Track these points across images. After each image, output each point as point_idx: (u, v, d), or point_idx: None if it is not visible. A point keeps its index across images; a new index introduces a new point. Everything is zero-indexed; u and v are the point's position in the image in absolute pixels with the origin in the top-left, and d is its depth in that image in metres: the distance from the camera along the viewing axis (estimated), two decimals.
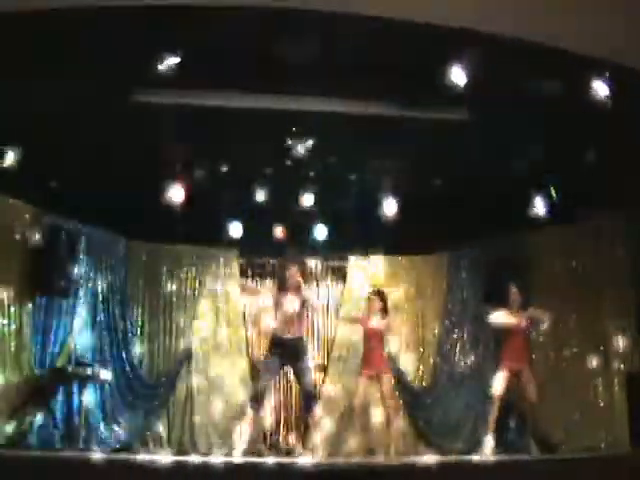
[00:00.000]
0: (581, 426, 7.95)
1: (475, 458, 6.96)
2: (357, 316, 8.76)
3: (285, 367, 6.99)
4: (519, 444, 8.09)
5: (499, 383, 7.53)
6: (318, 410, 6.98)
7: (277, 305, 7.02)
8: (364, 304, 8.54)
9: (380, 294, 8.41)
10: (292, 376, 6.97)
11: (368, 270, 9.91)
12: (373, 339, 8.06)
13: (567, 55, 5.61)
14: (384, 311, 8.22)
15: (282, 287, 7.09)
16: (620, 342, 7.83)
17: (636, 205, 7.44)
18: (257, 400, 6.87)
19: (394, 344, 9.57)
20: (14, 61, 5.75)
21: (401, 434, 8.94)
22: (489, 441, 7.37)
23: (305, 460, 6.60)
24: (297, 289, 7.02)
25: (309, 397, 6.91)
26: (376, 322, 8.10)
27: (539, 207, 7.64)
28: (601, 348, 8.04)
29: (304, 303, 7.04)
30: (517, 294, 7.82)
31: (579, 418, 8.01)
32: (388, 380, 7.99)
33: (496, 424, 7.54)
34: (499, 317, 7.81)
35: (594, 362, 8.08)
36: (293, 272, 7.06)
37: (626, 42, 5.51)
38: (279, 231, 8.59)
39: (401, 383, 9.48)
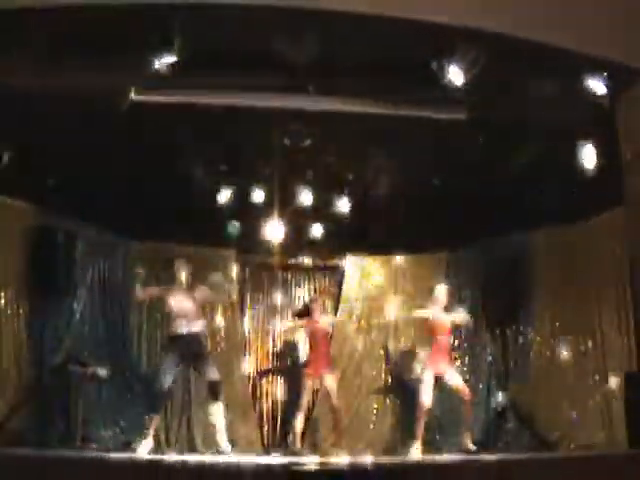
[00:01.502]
0: (579, 425, 7.96)
1: (470, 456, 6.98)
2: (300, 321, 8.79)
3: (185, 362, 7.05)
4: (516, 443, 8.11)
5: (427, 387, 7.43)
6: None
7: (169, 304, 7.17)
8: (311, 307, 8.55)
9: (320, 297, 8.89)
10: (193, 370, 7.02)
11: (366, 270, 9.92)
12: (320, 340, 8.16)
13: (566, 54, 5.61)
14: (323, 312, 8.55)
15: (176, 287, 7.21)
16: (617, 341, 7.83)
17: (635, 204, 7.44)
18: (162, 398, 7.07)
19: (392, 342, 9.64)
20: (12, 60, 5.75)
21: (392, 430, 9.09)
22: (415, 445, 7.29)
23: (306, 459, 6.63)
24: (189, 287, 7.17)
25: (213, 388, 6.95)
26: (321, 323, 8.25)
27: (537, 207, 7.65)
28: (598, 347, 8.05)
29: (197, 300, 7.17)
30: (445, 295, 7.78)
31: (577, 417, 8.02)
32: (331, 379, 8.03)
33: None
34: (419, 313, 7.85)
35: (591, 361, 8.10)
36: (182, 270, 7.22)
37: (626, 41, 5.52)
38: (276, 230, 8.61)
39: (399, 381, 9.51)
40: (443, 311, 7.73)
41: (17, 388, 7.66)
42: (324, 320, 8.38)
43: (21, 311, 7.88)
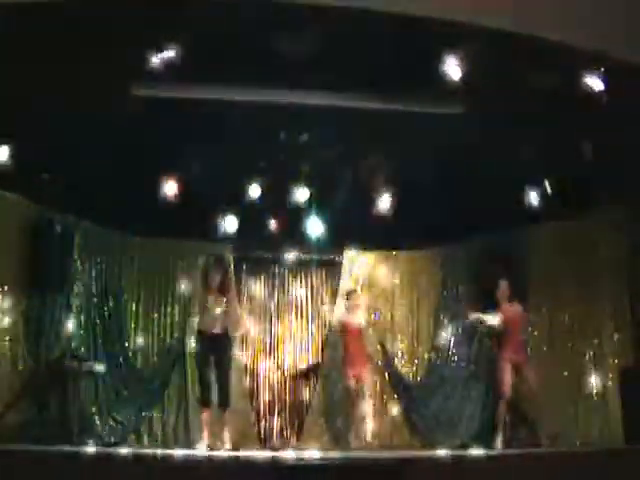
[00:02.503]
0: (575, 420, 7.98)
1: (469, 453, 6.98)
2: (343, 319, 8.63)
3: (211, 361, 7.12)
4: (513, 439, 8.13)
5: (505, 378, 7.62)
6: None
7: (202, 303, 7.25)
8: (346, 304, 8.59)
9: (354, 293, 8.75)
10: (214, 370, 7.12)
11: (362, 265, 9.91)
12: (355, 338, 8.11)
13: (564, 48, 5.60)
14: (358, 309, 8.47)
15: (207, 286, 7.28)
16: (615, 337, 7.85)
17: (634, 201, 7.45)
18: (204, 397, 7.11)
19: (388, 339, 9.64)
20: (12, 55, 5.73)
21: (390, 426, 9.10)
22: (499, 436, 7.47)
23: (298, 454, 6.62)
24: (222, 288, 7.26)
25: (224, 391, 7.05)
26: (356, 321, 8.23)
27: (535, 203, 7.65)
28: (595, 343, 8.06)
29: (229, 302, 7.29)
30: (507, 288, 7.89)
31: (573, 413, 8.04)
32: (369, 376, 8.02)
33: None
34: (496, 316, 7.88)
35: (589, 357, 8.11)
36: (215, 277, 7.28)
37: (625, 36, 5.51)
38: (274, 226, 8.62)
39: (395, 378, 9.51)
40: (507, 305, 7.88)
41: (13, 384, 7.65)
42: (358, 318, 8.37)
43: (17, 306, 7.86)
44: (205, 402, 7.13)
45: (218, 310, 7.15)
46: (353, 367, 8.04)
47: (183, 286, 9.28)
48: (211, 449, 6.81)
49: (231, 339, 7.31)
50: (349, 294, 8.72)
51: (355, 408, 8.03)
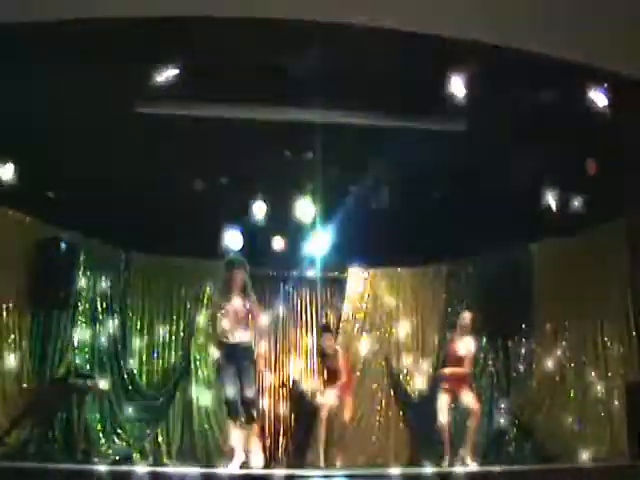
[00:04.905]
0: (580, 437, 7.94)
1: (473, 468, 6.95)
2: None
3: (234, 372, 6.56)
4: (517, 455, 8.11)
5: (442, 407, 7.63)
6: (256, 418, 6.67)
7: (222, 310, 6.73)
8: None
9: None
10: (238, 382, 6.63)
11: (367, 282, 9.92)
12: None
13: (566, 65, 5.63)
14: None
15: (227, 292, 6.79)
16: (619, 352, 7.82)
17: (636, 216, 7.46)
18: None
19: (393, 356, 9.63)
20: (17, 75, 5.79)
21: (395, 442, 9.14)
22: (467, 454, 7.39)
23: (308, 471, 6.59)
24: (242, 294, 6.76)
25: (248, 404, 6.55)
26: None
27: (538, 219, 7.66)
28: (600, 358, 8.04)
29: (249, 308, 6.75)
30: (469, 319, 7.85)
31: (578, 429, 8.00)
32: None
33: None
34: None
35: (593, 373, 8.08)
36: (238, 277, 6.80)
37: (625, 51, 5.54)
38: (279, 243, 8.64)
39: (400, 394, 9.50)
40: (464, 335, 7.80)
41: (19, 401, 7.66)
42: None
43: (23, 324, 7.89)
44: (236, 416, 6.52)
45: (241, 315, 6.64)
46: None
47: (188, 303, 9.35)
48: (244, 466, 6.50)
49: (253, 347, 6.78)
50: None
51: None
